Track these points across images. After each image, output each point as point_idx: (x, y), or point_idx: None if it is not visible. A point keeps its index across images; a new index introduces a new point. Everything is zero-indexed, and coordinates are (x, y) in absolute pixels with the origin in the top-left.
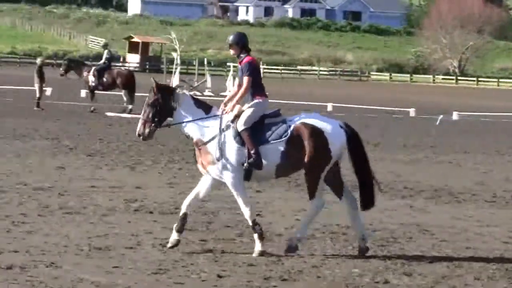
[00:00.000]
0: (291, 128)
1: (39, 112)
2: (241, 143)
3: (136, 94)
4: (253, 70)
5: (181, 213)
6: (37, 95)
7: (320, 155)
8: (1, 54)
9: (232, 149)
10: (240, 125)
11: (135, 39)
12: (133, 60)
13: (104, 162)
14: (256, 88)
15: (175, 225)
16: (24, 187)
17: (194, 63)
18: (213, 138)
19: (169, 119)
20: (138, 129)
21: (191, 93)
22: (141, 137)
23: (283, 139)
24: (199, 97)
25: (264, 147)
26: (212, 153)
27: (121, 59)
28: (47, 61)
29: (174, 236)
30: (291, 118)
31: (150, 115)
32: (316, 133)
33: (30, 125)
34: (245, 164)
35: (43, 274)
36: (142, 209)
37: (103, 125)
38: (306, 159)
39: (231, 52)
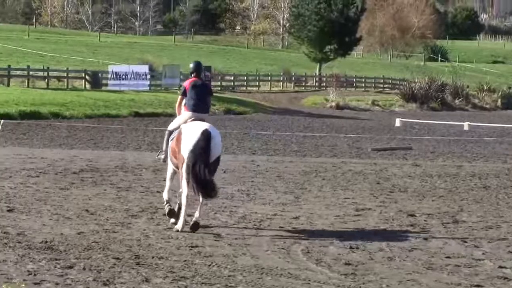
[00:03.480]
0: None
1: None
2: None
3: None
4: (184, 91)
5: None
6: None
7: (178, 153)
8: None
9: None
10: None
11: None
12: None
13: None
14: (188, 103)
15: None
16: None
17: None
18: None
19: None
20: None
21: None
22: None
23: (171, 140)
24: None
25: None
26: None
27: None
28: None
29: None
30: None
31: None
32: (179, 135)
33: None
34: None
35: None
36: None
37: None
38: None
39: None
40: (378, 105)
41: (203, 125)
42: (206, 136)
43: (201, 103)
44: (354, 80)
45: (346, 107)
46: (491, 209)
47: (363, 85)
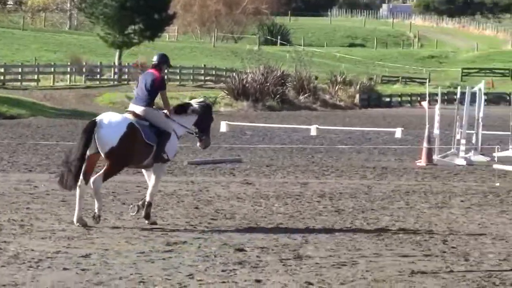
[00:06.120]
0: None
1: None
2: None
3: None
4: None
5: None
6: None
7: None
8: None
9: None
10: None
11: None
12: None
13: None
14: None
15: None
16: None
17: None
18: None
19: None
20: None
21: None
22: None
23: None
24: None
25: None
26: None
27: None
28: None
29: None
30: None
31: None
32: None
33: None
34: None
35: None
36: None
37: None
38: None
39: None
40: None
41: (101, 116)
42: (87, 128)
43: (138, 95)
44: (166, 71)
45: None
46: (345, 240)
47: (178, 77)
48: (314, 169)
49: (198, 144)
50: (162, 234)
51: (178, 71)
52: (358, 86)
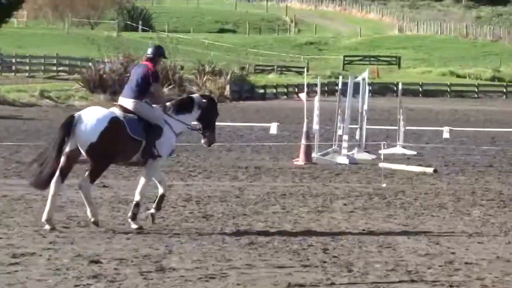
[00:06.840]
0: None
1: None
2: None
3: None
4: None
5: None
6: None
7: None
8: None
9: None
10: None
11: None
12: None
13: None
14: None
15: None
16: None
17: None
18: None
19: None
20: None
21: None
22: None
23: None
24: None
25: None
26: None
27: None
28: None
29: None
30: None
31: None
32: None
33: None
34: None
35: None
36: None
37: None
38: None
39: None
40: (49, 97)
41: (82, 110)
42: (65, 123)
43: (127, 87)
44: (14, 60)
45: (1, 101)
46: (213, 249)
47: (28, 68)
48: (179, 170)
49: (202, 141)
50: (8, 244)
51: (27, 61)
52: (228, 77)
